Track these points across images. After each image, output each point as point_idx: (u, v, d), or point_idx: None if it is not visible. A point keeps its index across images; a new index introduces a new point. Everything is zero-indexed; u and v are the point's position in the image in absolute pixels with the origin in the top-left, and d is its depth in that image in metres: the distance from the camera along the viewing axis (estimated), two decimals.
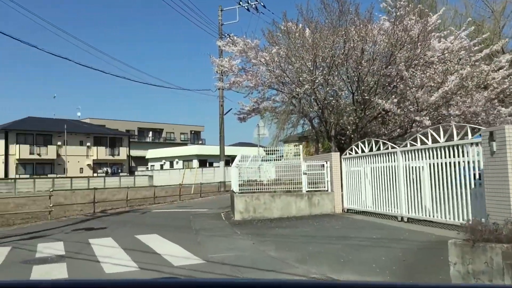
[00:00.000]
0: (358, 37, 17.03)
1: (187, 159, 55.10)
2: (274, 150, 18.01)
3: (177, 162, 56.00)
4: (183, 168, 51.85)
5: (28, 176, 46.61)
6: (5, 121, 52.33)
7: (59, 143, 50.50)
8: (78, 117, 60.77)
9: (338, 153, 14.46)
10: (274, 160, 17.16)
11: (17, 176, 45.78)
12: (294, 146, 17.64)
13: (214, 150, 56.27)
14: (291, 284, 1.46)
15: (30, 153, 48.39)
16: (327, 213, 13.50)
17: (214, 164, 54.04)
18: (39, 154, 48.91)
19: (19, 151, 47.45)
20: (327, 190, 13.95)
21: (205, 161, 54.29)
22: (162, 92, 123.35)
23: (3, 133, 47.39)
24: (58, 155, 50.44)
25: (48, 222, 14.98)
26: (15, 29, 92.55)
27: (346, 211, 13.67)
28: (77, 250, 8.97)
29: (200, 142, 76.32)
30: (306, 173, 13.95)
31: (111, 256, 8.21)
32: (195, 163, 53.35)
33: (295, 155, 16.90)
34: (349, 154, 13.65)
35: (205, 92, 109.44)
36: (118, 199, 23.50)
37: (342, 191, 13.82)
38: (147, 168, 59.79)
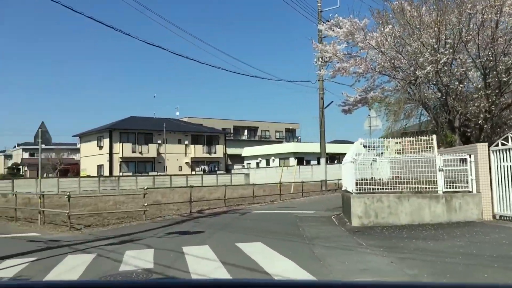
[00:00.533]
0: (491, 7, 13.95)
1: (283, 157, 53.41)
2: (375, 145, 15.30)
3: (273, 160, 54.54)
4: (279, 166, 50.26)
5: (130, 174, 47.96)
6: (110, 120, 54.58)
7: (159, 141, 51.47)
8: (176, 117, 61.95)
9: (486, 143, 11.45)
10: (377, 155, 14.43)
11: (121, 174, 47.26)
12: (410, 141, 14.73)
13: (310, 147, 54.11)
14: (287, 285, 1.40)
15: (132, 152, 49.78)
16: (472, 221, 10.62)
17: (311, 162, 51.84)
18: (140, 153, 50.17)
19: (122, 149, 48.97)
20: (471, 191, 11.04)
21: (301, 159, 52.25)
22: (258, 89, 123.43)
23: (107, 132, 49.30)
24: (158, 153, 51.41)
25: (142, 223, 13.79)
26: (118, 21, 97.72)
27: (498, 218, 10.67)
28: (168, 263, 7.27)
29: (296, 140, 74.41)
30: (442, 170, 11.16)
31: (207, 275, 6.35)
32: (292, 160, 51.48)
33: (398, 152, 14.23)
34: (503, 145, 10.62)
35: (305, 84, 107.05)
36: (215, 198, 22.22)
37: (491, 192, 10.83)
38: (243, 166, 59.15)
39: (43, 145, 14.70)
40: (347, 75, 19.47)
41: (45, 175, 63.59)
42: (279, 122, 79.59)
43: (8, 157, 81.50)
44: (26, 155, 74.46)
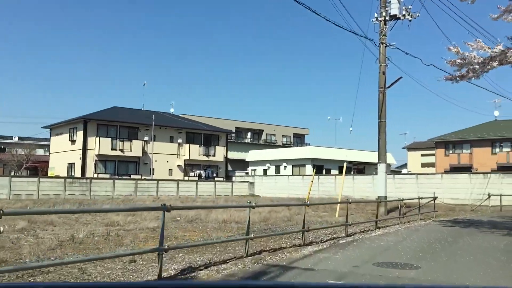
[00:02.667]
0: None
1: (297, 164, 43.61)
2: None
3: (285, 167, 44.69)
4: (292, 175, 40.46)
5: (108, 176, 38.08)
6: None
7: (145, 138, 41.54)
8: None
9: None
10: None
11: (95, 176, 37.36)
12: None
13: (331, 153, 44.32)
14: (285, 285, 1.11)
15: (112, 149, 39.78)
16: None
17: (332, 171, 42.19)
18: (122, 150, 40.16)
19: (99, 145, 38.98)
20: None
21: (320, 167, 42.34)
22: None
23: (82, 124, 39.34)
24: (144, 152, 41.42)
25: None
26: None
27: None
28: None
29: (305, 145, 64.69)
30: None
31: None
32: (308, 168, 41.69)
33: None
34: None
35: (362, 42, 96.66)
36: (217, 222, 12.42)
37: None
38: (246, 173, 49.32)
39: None
40: None
41: (12, 173, 53.60)
42: (286, 126, 70.09)
43: None
44: None
